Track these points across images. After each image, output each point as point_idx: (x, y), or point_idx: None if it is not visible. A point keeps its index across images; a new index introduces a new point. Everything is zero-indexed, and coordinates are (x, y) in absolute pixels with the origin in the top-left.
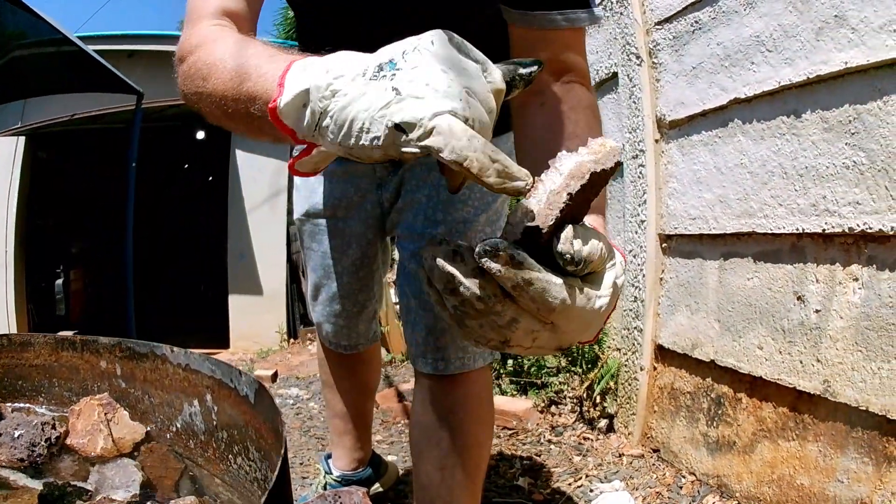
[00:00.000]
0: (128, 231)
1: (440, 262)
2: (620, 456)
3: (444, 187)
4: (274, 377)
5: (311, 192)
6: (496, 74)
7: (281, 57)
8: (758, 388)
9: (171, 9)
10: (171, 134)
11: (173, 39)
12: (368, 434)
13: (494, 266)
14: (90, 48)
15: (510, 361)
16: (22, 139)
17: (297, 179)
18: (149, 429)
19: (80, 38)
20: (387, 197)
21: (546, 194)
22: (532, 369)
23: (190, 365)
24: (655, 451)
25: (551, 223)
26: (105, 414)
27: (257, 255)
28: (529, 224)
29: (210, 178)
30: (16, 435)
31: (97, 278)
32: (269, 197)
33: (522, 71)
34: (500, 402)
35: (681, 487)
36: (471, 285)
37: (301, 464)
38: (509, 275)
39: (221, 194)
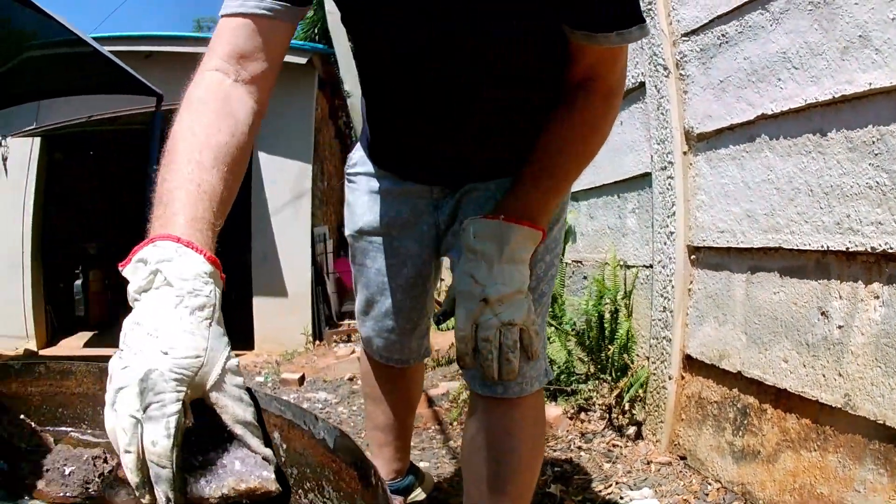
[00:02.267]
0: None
1: None
2: (649, 463)
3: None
4: (301, 380)
5: (365, 209)
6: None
7: (162, 212)
8: (782, 399)
9: (187, 10)
10: None
11: (191, 41)
12: (408, 445)
13: None
14: (105, 49)
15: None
16: (37, 140)
17: (348, 196)
18: None
19: (96, 39)
20: (443, 219)
21: None
22: (562, 376)
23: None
24: (682, 458)
25: None
26: None
27: (281, 258)
28: None
29: None
30: (66, 472)
31: (117, 279)
32: (293, 199)
33: None
34: None
35: (707, 495)
36: None
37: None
38: None
39: (244, 196)
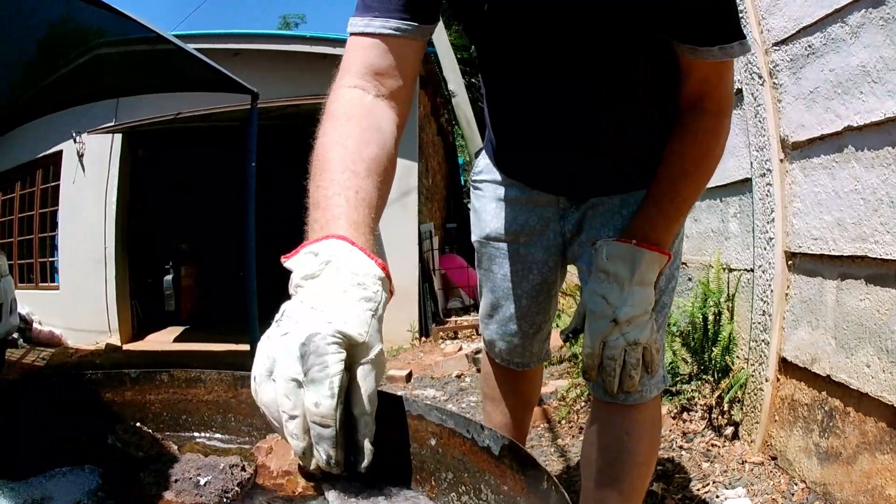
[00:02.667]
0: (249, 231)
1: None
2: (743, 463)
3: (622, 230)
4: (408, 377)
5: (491, 216)
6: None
7: (321, 216)
8: (864, 403)
9: (272, 6)
10: (290, 131)
11: (281, 39)
12: (523, 444)
13: None
14: (191, 47)
15: None
16: (118, 136)
17: (473, 202)
18: None
19: (183, 36)
20: (569, 228)
21: None
22: (668, 377)
23: (410, 411)
24: (773, 458)
25: None
26: None
27: (388, 254)
28: None
29: None
30: (201, 482)
31: (209, 274)
32: (400, 196)
33: None
34: None
35: (793, 495)
36: None
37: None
38: None
39: None
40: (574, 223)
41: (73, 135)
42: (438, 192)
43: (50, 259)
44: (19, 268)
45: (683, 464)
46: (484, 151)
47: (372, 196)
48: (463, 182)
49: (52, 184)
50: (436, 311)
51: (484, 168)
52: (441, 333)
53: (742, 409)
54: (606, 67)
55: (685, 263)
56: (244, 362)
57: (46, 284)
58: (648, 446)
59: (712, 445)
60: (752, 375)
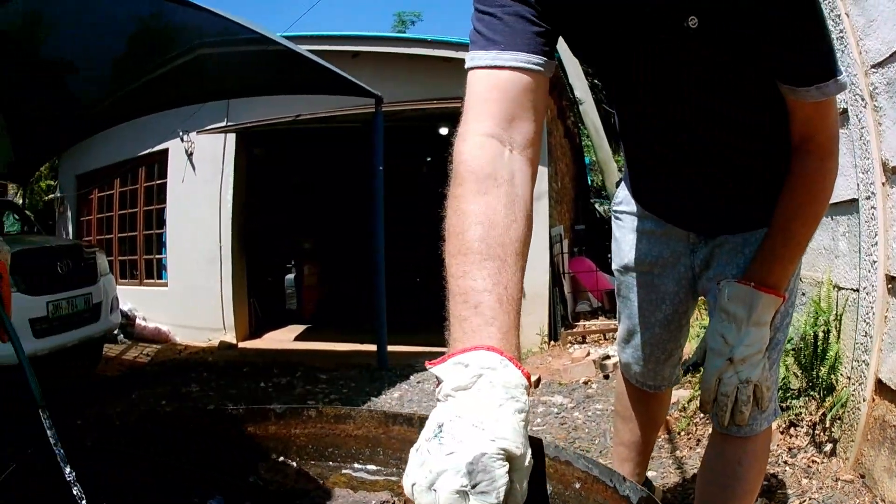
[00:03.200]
0: (378, 233)
1: None
2: (836, 480)
3: (744, 268)
4: (537, 383)
5: (630, 247)
6: None
7: (470, 315)
8: None
9: (386, 4)
10: (412, 132)
11: (400, 42)
12: (647, 461)
13: None
14: (304, 48)
15: None
16: (231, 135)
17: (615, 231)
18: None
19: (300, 37)
20: (698, 263)
21: None
22: (778, 392)
23: (559, 457)
24: (862, 476)
25: None
26: None
27: None
28: None
29: None
30: None
31: (332, 273)
32: None
33: None
34: None
35: None
36: None
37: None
38: None
39: None
40: (702, 258)
41: (180, 133)
42: (567, 195)
43: (157, 256)
44: (121, 264)
45: (785, 479)
46: (623, 182)
47: (519, 286)
48: (590, 182)
49: (158, 182)
50: (564, 315)
51: (623, 199)
52: (569, 337)
53: (841, 427)
54: (731, 116)
55: (800, 278)
56: (370, 363)
57: (153, 281)
58: (756, 474)
59: (812, 461)
60: (852, 395)
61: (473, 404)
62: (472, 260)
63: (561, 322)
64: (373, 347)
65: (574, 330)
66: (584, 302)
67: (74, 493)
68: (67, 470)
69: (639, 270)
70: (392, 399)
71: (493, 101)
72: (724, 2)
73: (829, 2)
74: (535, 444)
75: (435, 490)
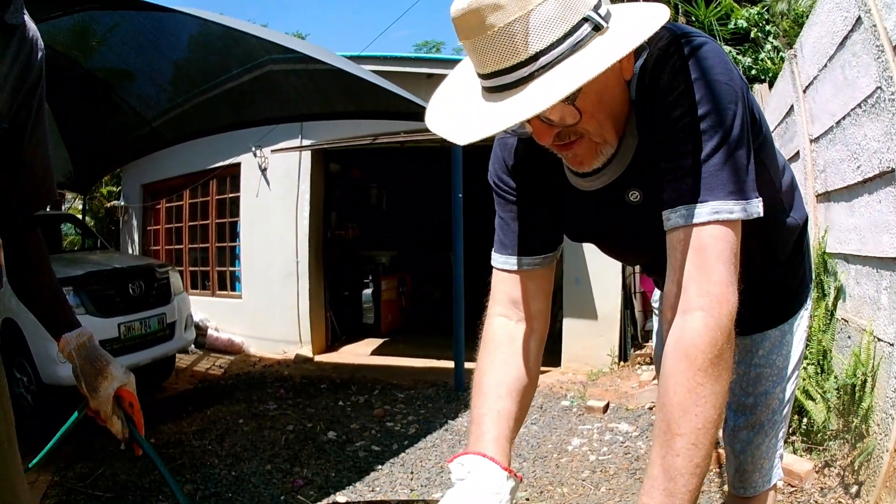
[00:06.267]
0: (457, 256)
1: None
2: None
3: (754, 365)
4: (605, 408)
5: (663, 343)
6: None
7: (474, 430)
8: None
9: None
10: (487, 151)
11: None
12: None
13: None
14: (374, 69)
15: (804, 420)
16: (307, 153)
17: (654, 324)
18: None
19: (375, 58)
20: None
21: None
22: (818, 434)
23: None
24: None
25: None
26: None
27: (592, 280)
28: None
29: None
30: None
31: (410, 289)
32: None
33: None
34: (790, 461)
35: None
36: None
37: None
38: None
39: None
40: None
41: (252, 148)
42: None
43: (230, 268)
44: (191, 275)
45: None
46: None
47: (511, 411)
48: None
49: (231, 195)
50: (635, 334)
51: (660, 296)
52: (639, 358)
53: (866, 472)
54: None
55: (847, 321)
56: (447, 381)
57: (226, 293)
58: None
59: (839, 502)
60: (878, 444)
61: (464, 491)
62: (480, 398)
63: (631, 342)
64: (449, 364)
65: (643, 351)
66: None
67: None
68: None
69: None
70: (467, 422)
71: (502, 292)
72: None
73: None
74: None
75: None
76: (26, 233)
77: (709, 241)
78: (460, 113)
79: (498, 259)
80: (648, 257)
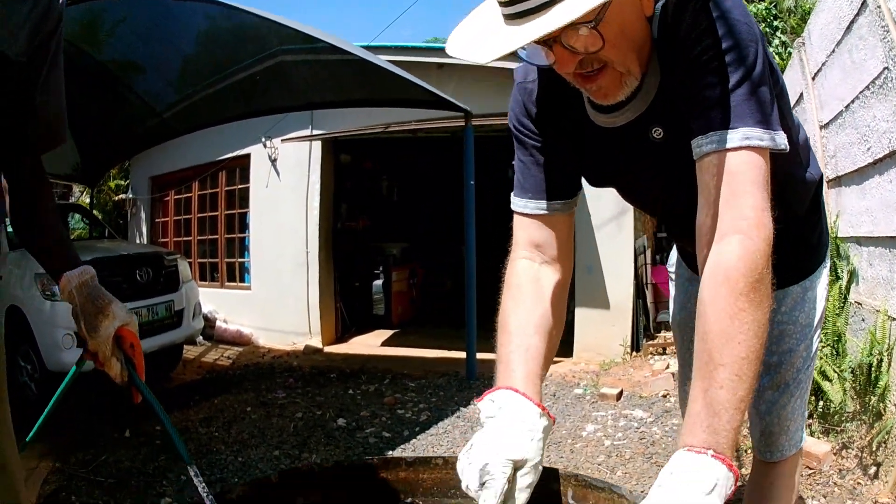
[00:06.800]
0: (470, 246)
1: None
2: (875, 502)
3: (777, 322)
4: (619, 396)
5: (681, 306)
6: None
7: (502, 369)
8: None
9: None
10: (499, 141)
11: None
12: None
13: None
14: (387, 59)
15: (821, 402)
16: (317, 143)
17: (671, 289)
18: None
19: (385, 48)
20: None
21: None
22: (836, 416)
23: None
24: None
25: None
26: None
27: (604, 271)
28: None
29: None
30: None
31: (421, 280)
32: (616, 215)
33: None
34: (807, 443)
35: None
36: None
37: (642, 491)
38: None
39: None
40: None
41: (263, 139)
42: None
43: (240, 259)
44: (200, 266)
45: (833, 500)
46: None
47: (539, 350)
48: None
49: (240, 186)
50: (647, 325)
51: (675, 261)
52: (651, 348)
53: (885, 452)
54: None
55: (860, 304)
56: (458, 371)
57: (235, 284)
58: (787, 493)
59: (858, 483)
60: (895, 424)
61: (496, 427)
62: (505, 338)
63: (643, 333)
64: (461, 354)
65: (655, 341)
66: (665, 311)
67: None
68: None
69: (689, 327)
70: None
71: (524, 236)
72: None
73: None
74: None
75: (466, 484)
76: (32, 176)
77: (741, 166)
78: (481, 38)
79: (518, 203)
80: (669, 200)
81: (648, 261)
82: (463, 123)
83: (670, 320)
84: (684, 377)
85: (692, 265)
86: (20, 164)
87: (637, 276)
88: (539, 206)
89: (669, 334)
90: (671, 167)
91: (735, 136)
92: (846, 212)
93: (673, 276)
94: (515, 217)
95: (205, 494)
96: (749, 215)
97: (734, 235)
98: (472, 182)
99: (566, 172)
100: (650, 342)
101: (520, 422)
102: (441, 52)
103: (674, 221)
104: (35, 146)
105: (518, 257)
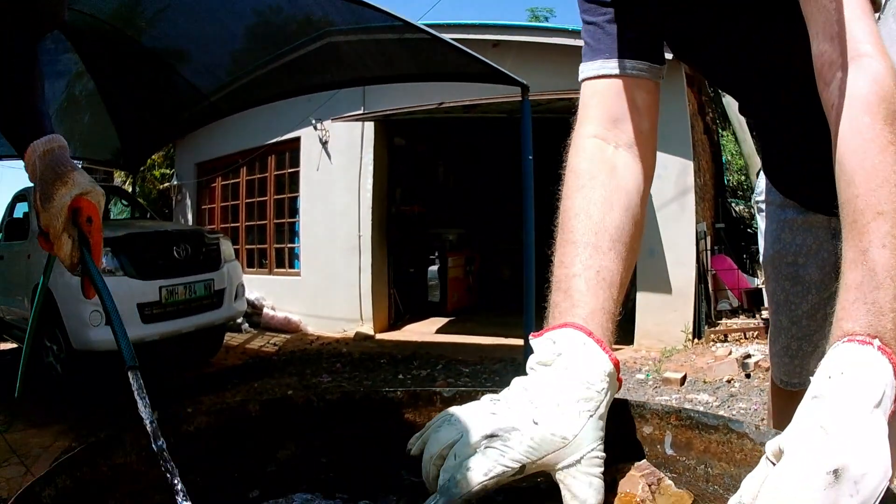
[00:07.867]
0: (528, 226)
1: None
2: None
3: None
4: (682, 380)
5: (773, 238)
6: None
7: (562, 300)
8: None
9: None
10: (559, 125)
11: (541, 31)
12: None
13: None
14: (447, 37)
15: None
16: (369, 124)
17: (759, 223)
18: (696, 496)
19: (436, 26)
20: (842, 249)
21: None
22: None
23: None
24: None
25: None
26: (648, 484)
27: (666, 254)
28: None
29: None
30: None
31: (479, 266)
32: (677, 196)
33: None
34: None
35: None
36: None
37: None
38: None
39: None
40: None
41: (313, 121)
42: (708, 192)
43: (289, 245)
44: (248, 253)
45: None
46: (763, 171)
47: (613, 272)
48: (726, 181)
49: (290, 170)
50: (708, 312)
51: (765, 188)
52: (712, 336)
53: None
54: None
55: None
56: (516, 357)
57: (284, 270)
58: None
59: None
60: None
61: (544, 381)
62: (568, 250)
63: (704, 320)
64: (519, 342)
65: (717, 329)
66: (724, 301)
67: (164, 466)
68: (160, 442)
69: (784, 262)
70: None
71: (594, 107)
72: None
73: None
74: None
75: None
76: (25, 49)
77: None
78: None
79: (588, 68)
80: (764, 63)
81: (708, 247)
82: (520, 99)
83: (761, 258)
84: (777, 329)
85: (789, 189)
86: (11, 40)
87: (699, 262)
88: (619, 64)
89: (730, 322)
90: (769, 19)
91: None
92: None
93: (762, 205)
94: (584, 88)
95: (143, 405)
96: (877, 41)
97: (867, 58)
98: (530, 157)
99: (647, 29)
100: (712, 329)
101: (581, 384)
102: (496, 28)
103: (770, 111)
104: (31, 25)
105: (585, 135)
